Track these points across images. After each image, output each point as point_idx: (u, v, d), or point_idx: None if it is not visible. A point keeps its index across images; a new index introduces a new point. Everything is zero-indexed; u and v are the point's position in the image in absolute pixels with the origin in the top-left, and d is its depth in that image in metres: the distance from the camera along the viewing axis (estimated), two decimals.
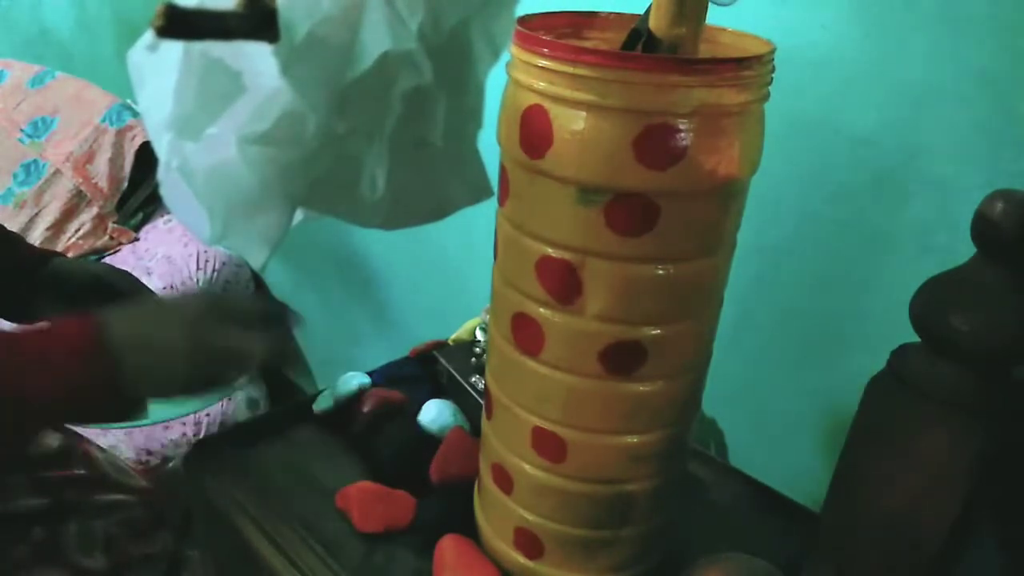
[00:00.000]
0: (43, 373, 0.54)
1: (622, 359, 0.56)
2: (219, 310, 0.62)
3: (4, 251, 0.78)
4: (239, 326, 0.61)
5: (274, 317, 0.67)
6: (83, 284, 0.81)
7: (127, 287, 0.83)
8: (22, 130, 1.58)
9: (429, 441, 0.82)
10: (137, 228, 1.61)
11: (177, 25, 0.35)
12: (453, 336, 1.02)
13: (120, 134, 1.57)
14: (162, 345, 0.58)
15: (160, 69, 0.41)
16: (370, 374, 0.93)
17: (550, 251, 0.55)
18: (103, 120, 1.57)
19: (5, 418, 0.54)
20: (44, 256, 0.80)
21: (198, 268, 1.45)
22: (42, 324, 0.57)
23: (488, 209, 0.58)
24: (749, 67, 0.50)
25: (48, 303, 0.79)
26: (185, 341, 0.58)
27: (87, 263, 0.86)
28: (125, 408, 0.57)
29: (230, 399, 1.39)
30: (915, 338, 0.55)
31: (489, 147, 0.52)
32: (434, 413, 0.85)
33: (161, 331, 0.58)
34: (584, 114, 0.50)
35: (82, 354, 0.55)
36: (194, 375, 0.59)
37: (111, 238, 1.55)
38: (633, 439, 0.60)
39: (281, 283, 1.72)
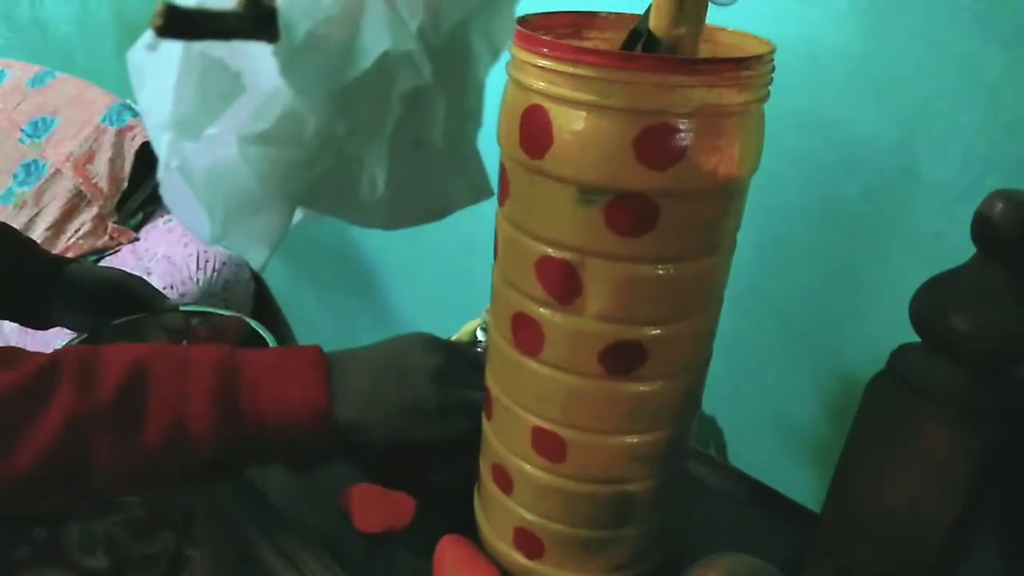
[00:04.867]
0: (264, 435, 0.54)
1: (622, 359, 0.56)
2: (453, 370, 0.61)
3: (18, 254, 0.78)
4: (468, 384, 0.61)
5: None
6: (99, 290, 0.81)
7: (144, 293, 0.84)
8: (22, 130, 1.58)
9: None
10: (137, 228, 1.60)
11: (177, 25, 0.35)
12: (453, 337, 1.02)
13: (120, 134, 1.57)
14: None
15: (160, 69, 0.41)
16: None
17: (550, 251, 0.55)
18: (103, 120, 1.57)
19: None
20: (59, 261, 0.81)
21: (198, 268, 1.45)
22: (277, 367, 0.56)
23: (488, 209, 0.58)
24: (749, 67, 0.50)
25: (64, 308, 0.80)
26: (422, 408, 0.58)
27: (102, 269, 0.87)
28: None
29: None
30: (915, 338, 0.55)
31: (489, 147, 0.52)
32: None
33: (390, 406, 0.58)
34: (584, 114, 0.50)
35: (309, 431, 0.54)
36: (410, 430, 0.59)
37: (111, 238, 1.55)
38: (633, 439, 0.60)
39: (281, 283, 1.72)
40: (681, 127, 0.49)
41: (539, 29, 0.55)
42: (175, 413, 0.51)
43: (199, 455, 0.52)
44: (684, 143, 0.49)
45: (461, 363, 0.60)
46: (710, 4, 0.53)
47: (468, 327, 1.02)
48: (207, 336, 0.85)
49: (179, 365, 0.53)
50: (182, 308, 0.89)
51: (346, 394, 0.56)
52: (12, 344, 1.37)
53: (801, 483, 0.82)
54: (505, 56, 0.49)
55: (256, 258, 0.45)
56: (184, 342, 0.86)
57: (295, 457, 0.57)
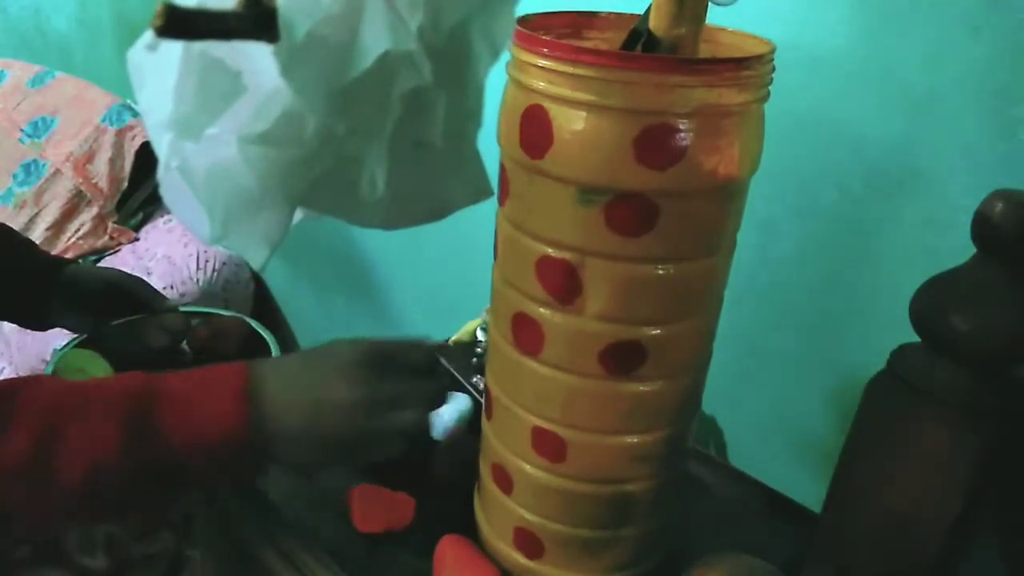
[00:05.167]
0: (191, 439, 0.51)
1: (622, 359, 0.56)
2: (378, 361, 0.57)
3: (17, 255, 0.78)
4: (402, 379, 0.57)
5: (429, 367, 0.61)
6: (98, 291, 0.81)
7: (143, 294, 0.83)
8: (22, 130, 1.58)
9: (429, 441, 0.82)
10: (137, 228, 1.61)
11: (177, 25, 0.35)
12: (454, 337, 1.02)
13: (120, 134, 1.57)
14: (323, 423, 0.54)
15: (160, 69, 0.41)
16: None
17: (550, 251, 0.55)
18: (103, 120, 1.57)
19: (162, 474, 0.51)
20: (58, 262, 0.81)
21: (198, 268, 1.45)
22: (192, 378, 0.54)
23: (488, 209, 0.58)
24: (749, 67, 0.50)
25: (63, 309, 0.80)
26: (345, 407, 0.54)
27: (103, 270, 0.86)
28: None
29: None
30: (915, 338, 0.55)
31: (489, 147, 0.52)
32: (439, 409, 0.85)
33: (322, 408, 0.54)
34: (584, 114, 0.50)
35: (234, 435, 0.51)
36: (353, 442, 0.55)
37: (111, 238, 1.55)
38: (633, 439, 0.60)
39: (281, 283, 1.72)
40: (681, 127, 0.49)
41: (539, 29, 0.55)
42: (89, 451, 0.50)
43: (118, 485, 0.51)
44: (684, 143, 0.49)
45: (386, 387, 0.56)
46: (710, 4, 0.53)
47: (468, 327, 1.02)
48: (207, 336, 0.85)
49: (90, 401, 0.51)
50: (182, 309, 0.89)
51: (270, 409, 0.53)
52: (12, 344, 1.37)
53: (801, 483, 0.82)
54: (505, 56, 0.49)
55: (256, 258, 0.45)
56: (184, 342, 0.86)
57: (221, 481, 0.55)
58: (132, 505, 0.52)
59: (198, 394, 0.52)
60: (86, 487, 0.49)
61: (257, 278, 1.63)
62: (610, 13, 0.62)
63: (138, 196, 1.61)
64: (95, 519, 0.55)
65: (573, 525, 0.64)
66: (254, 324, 0.89)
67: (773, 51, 0.52)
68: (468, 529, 0.72)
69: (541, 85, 0.51)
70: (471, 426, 0.85)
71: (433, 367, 0.61)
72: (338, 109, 0.41)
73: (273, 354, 0.85)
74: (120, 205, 1.58)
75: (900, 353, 0.56)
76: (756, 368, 0.88)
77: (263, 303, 1.67)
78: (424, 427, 0.58)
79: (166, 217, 1.60)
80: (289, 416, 0.53)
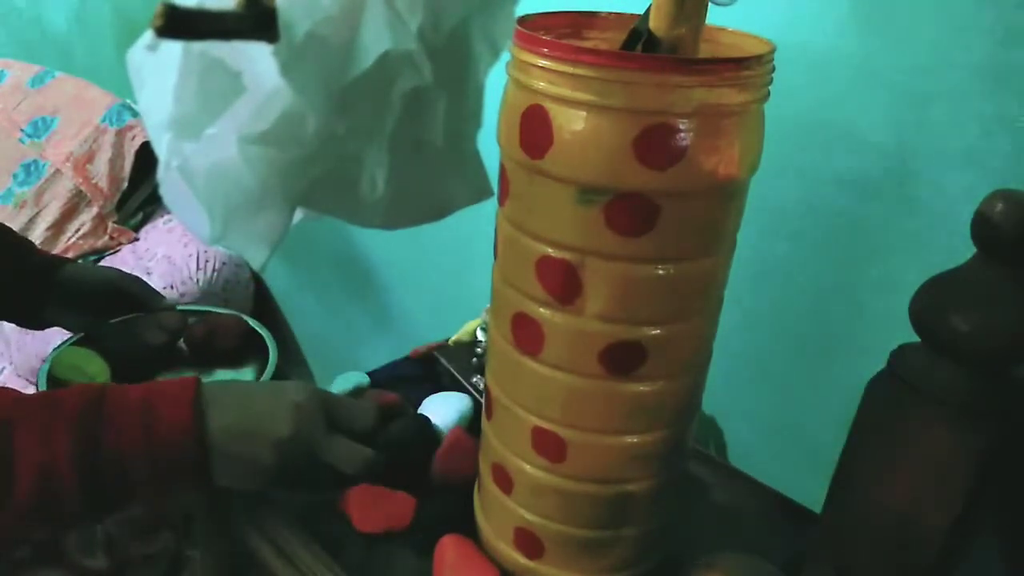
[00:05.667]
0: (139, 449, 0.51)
1: (622, 359, 0.56)
2: (328, 412, 0.58)
3: (14, 255, 0.78)
4: (347, 434, 0.58)
5: (381, 426, 0.62)
6: (96, 290, 0.81)
7: (141, 293, 0.83)
8: (22, 130, 1.58)
9: (429, 441, 0.82)
10: (137, 228, 1.60)
11: (177, 25, 0.35)
12: (454, 337, 1.02)
13: (120, 134, 1.57)
14: (261, 447, 0.55)
15: (160, 69, 0.41)
16: (370, 374, 0.93)
17: (550, 251, 0.55)
18: (103, 120, 1.57)
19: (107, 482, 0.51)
20: (55, 261, 0.80)
21: (198, 268, 1.45)
22: (142, 393, 0.54)
23: (488, 209, 0.58)
24: (749, 67, 0.50)
25: (60, 308, 0.80)
26: (284, 440, 0.55)
27: (100, 269, 0.86)
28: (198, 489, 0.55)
29: None
30: (915, 338, 0.55)
31: (489, 147, 0.52)
32: (440, 409, 0.85)
33: (264, 429, 0.55)
34: (584, 114, 0.50)
35: (179, 446, 0.52)
36: (279, 475, 0.56)
37: (111, 238, 1.55)
38: (633, 439, 0.60)
39: (281, 283, 1.72)
40: (681, 127, 0.49)
41: (539, 29, 0.55)
42: (40, 465, 0.49)
43: (69, 497, 0.50)
44: (684, 143, 0.49)
45: (324, 437, 0.57)
46: (710, 4, 0.53)
47: (468, 327, 1.02)
48: (204, 334, 0.85)
49: (42, 413, 0.51)
50: (180, 308, 0.89)
51: (213, 425, 0.53)
52: (12, 344, 1.37)
53: (801, 483, 0.82)
54: (505, 56, 0.49)
55: (256, 258, 0.45)
56: (181, 340, 0.86)
57: (161, 492, 0.56)
58: (77, 516, 0.52)
59: (149, 401, 0.53)
60: (40, 497, 0.49)
61: (257, 278, 1.63)
62: (610, 13, 0.62)
63: (138, 196, 1.61)
64: (42, 531, 0.55)
65: (573, 525, 0.64)
66: (251, 322, 0.89)
67: (773, 51, 0.52)
68: (468, 529, 0.72)
69: (541, 85, 0.51)
70: (471, 426, 0.85)
71: (373, 434, 0.62)
72: (338, 109, 0.41)
73: (271, 351, 0.85)
74: (120, 205, 1.58)
75: (900, 353, 0.56)
76: (756, 368, 0.88)
77: (263, 303, 1.67)
78: (350, 484, 0.59)
79: (166, 217, 1.60)
80: (228, 436, 0.54)
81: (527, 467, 0.63)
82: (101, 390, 0.53)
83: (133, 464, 0.51)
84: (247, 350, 0.86)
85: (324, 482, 0.59)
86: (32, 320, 0.81)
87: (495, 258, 0.62)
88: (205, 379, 0.56)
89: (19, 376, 1.38)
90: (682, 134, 0.49)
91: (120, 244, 1.56)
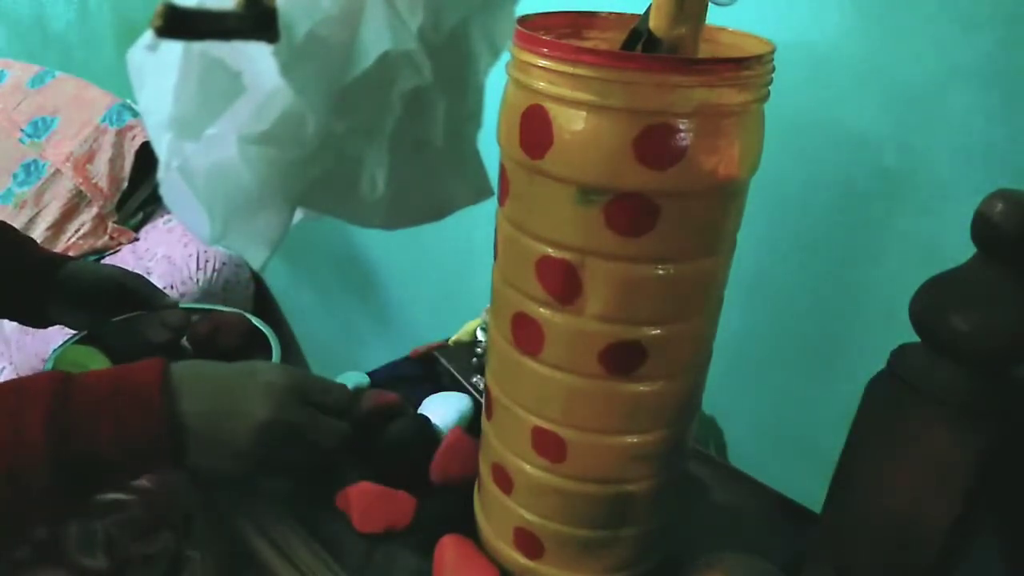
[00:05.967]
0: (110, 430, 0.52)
1: (622, 359, 0.56)
2: (302, 390, 0.59)
3: (16, 253, 0.78)
4: (318, 410, 0.59)
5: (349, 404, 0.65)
6: (99, 288, 0.81)
7: (143, 291, 0.83)
8: (22, 130, 1.58)
9: (429, 441, 0.82)
10: (137, 228, 1.61)
11: (177, 25, 0.35)
12: (454, 337, 1.02)
13: (120, 134, 1.57)
14: (235, 427, 0.55)
15: (160, 69, 0.41)
16: (370, 374, 0.93)
17: (550, 251, 0.55)
18: (103, 120, 1.57)
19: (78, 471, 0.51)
20: (57, 259, 0.80)
21: (198, 268, 1.45)
22: (113, 376, 0.54)
23: (488, 209, 0.58)
24: (749, 67, 0.50)
25: (62, 306, 0.80)
26: (263, 423, 0.55)
27: (101, 266, 0.86)
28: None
29: None
30: (915, 338, 0.55)
31: (489, 147, 0.52)
32: (440, 409, 0.85)
33: (238, 409, 0.56)
34: (584, 114, 0.50)
35: (151, 433, 0.52)
36: (261, 458, 0.56)
37: (111, 238, 1.55)
38: (633, 439, 0.60)
39: (281, 283, 1.72)
40: (681, 127, 0.49)
41: (539, 29, 0.55)
42: (8, 449, 0.50)
43: (39, 481, 0.50)
44: (684, 143, 0.49)
45: (300, 417, 0.57)
46: (710, 4, 0.53)
47: (468, 327, 1.02)
48: (207, 332, 0.85)
49: (10, 399, 0.51)
50: (183, 306, 0.89)
51: (184, 407, 0.54)
52: (12, 343, 1.37)
53: (801, 483, 0.82)
54: (505, 56, 0.50)
55: (256, 258, 0.45)
56: (184, 338, 0.86)
57: (132, 473, 0.56)
58: (50, 503, 0.52)
59: (117, 382, 0.53)
60: (11, 486, 0.49)
61: (257, 278, 1.63)
62: (610, 13, 0.62)
63: (138, 196, 1.62)
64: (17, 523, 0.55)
65: (573, 525, 0.64)
66: (254, 320, 0.89)
67: (773, 51, 0.52)
68: (468, 529, 0.72)
69: (541, 85, 0.51)
70: (471, 426, 0.85)
71: (346, 410, 0.64)
72: (338, 109, 0.41)
73: (274, 349, 0.85)
74: (120, 205, 1.58)
75: (900, 353, 0.56)
76: (756, 368, 0.88)
77: (263, 303, 1.67)
78: (326, 462, 0.60)
79: (166, 217, 1.60)
80: (205, 421, 0.54)
81: (527, 467, 0.63)
82: (68, 376, 0.53)
83: (106, 450, 0.51)
84: (250, 348, 0.86)
85: (304, 460, 0.59)
86: (35, 318, 0.81)
87: (495, 258, 0.62)
88: None
89: (19, 376, 1.38)
90: (682, 134, 0.49)
91: (120, 244, 1.56)
